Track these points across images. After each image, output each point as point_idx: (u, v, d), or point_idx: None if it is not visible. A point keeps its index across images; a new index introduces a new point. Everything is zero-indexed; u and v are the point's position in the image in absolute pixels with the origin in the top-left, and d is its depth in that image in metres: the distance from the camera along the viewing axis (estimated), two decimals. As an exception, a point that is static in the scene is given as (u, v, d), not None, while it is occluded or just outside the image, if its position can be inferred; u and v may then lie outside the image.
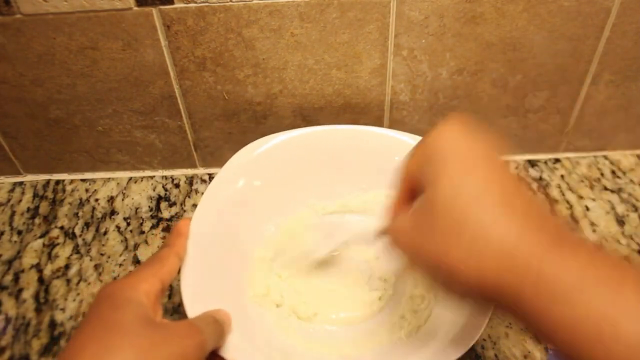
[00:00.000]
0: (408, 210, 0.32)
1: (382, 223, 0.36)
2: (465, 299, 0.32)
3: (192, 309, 0.39)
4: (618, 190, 0.60)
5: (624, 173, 0.62)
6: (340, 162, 0.53)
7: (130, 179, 0.63)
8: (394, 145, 0.52)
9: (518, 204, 0.27)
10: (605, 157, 0.64)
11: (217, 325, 0.36)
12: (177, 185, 0.62)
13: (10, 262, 0.55)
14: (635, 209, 0.58)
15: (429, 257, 0.29)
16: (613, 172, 0.62)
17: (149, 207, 0.60)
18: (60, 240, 0.57)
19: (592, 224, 0.56)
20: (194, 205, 0.59)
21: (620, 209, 0.58)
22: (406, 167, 0.33)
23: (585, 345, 0.24)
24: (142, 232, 0.57)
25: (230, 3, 0.49)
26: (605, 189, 0.60)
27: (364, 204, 0.54)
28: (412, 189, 0.33)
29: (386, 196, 0.52)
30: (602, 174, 0.62)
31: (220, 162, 0.58)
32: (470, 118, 0.31)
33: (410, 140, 0.52)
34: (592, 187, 0.60)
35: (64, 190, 0.62)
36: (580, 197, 0.59)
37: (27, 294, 0.52)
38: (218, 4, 0.49)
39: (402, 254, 0.32)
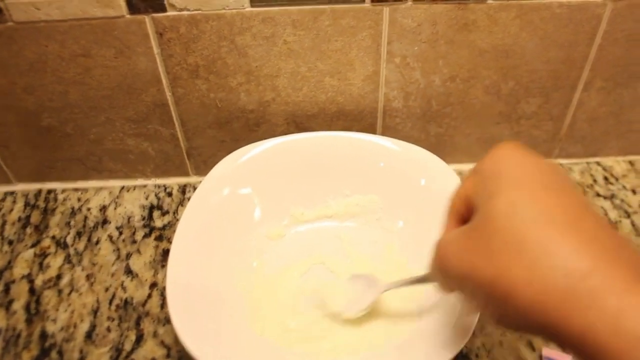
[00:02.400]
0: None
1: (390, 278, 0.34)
2: (516, 330, 0.28)
3: (179, 319, 0.40)
4: (611, 197, 0.60)
5: (617, 179, 0.62)
6: (323, 169, 0.54)
7: (123, 187, 0.63)
8: (377, 151, 0.53)
9: (585, 227, 0.24)
10: (598, 164, 0.64)
11: None
12: (169, 194, 0.62)
13: (0, 273, 0.54)
14: (628, 215, 0.58)
15: (483, 277, 0.26)
16: (606, 178, 0.62)
17: (142, 216, 0.59)
18: (52, 250, 0.56)
19: (586, 230, 0.56)
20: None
21: (613, 215, 0.58)
22: (460, 190, 0.31)
23: None
24: (135, 242, 0.57)
25: (223, 11, 0.49)
26: (598, 195, 0.60)
27: (345, 207, 0.54)
28: (466, 213, 0.30)
29: (369, 200, 0.53)
30: (594, 180, 0.62)
31: (213, 170, 0.57)
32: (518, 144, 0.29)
33: (393, 146, 0.52)
34: (585, 194, 0.60)
35: (55, 200, 0.62)
36: (574, 204, 0.59)
37: (18, 305, 0.51)
38: (211, 12, 0.49)
39: (447, 277, 0.29)
